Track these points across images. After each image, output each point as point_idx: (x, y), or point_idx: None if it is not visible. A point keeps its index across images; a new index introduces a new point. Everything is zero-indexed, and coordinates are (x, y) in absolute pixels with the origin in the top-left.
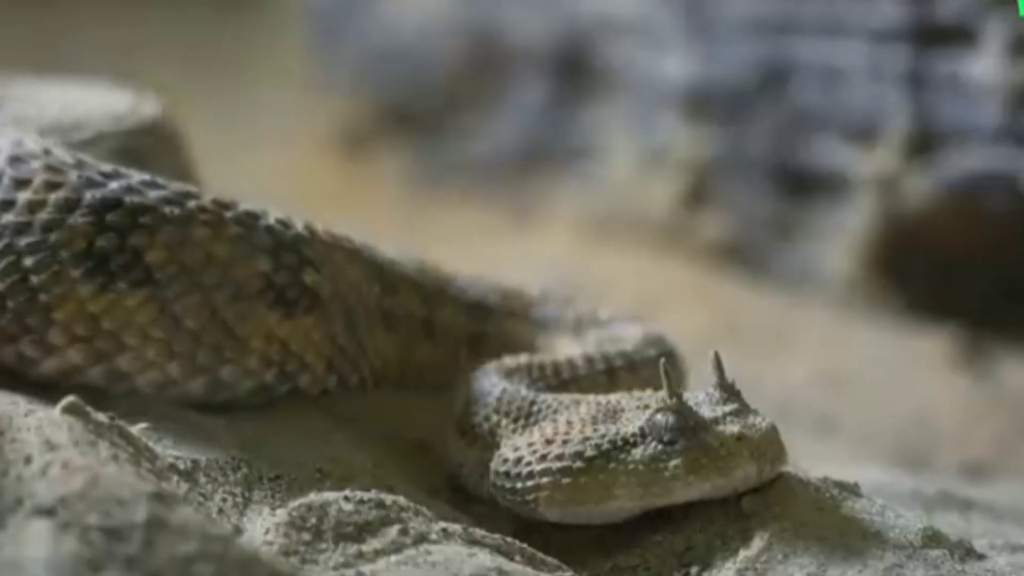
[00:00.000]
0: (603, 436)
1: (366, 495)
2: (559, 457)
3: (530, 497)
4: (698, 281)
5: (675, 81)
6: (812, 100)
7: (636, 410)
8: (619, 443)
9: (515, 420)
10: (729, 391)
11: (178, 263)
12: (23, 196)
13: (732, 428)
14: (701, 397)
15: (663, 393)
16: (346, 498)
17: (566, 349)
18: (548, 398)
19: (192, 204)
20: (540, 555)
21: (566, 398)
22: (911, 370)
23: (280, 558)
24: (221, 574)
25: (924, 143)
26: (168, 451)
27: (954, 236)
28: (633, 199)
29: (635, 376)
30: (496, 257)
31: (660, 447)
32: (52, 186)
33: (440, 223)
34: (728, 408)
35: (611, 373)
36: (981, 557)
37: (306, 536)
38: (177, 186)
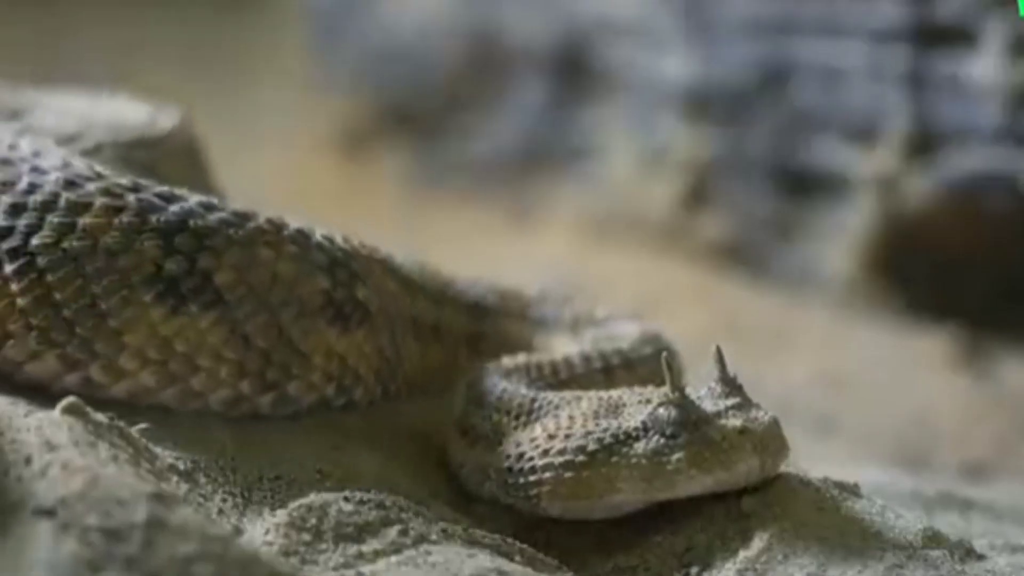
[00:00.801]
0: (605, 430)
1: (366, 495)
2: (561, 452)
3: (533, 492)
4: (698, 281)
5: (675, 81)
6: (812, 100)
7: (638, 405)
8: (621, 437)
9: (517, 418)
10: (731, 385)
11: (246, 284)
12: (85, 221)
13: (734, 422)
14: (703, 391)
15: (665, 388)
16: (346, 499)
17: (563, 348)
18: (550, 395)
19: (252, 225)
20: (540, 555)
21: (568, 395)
22: (911, 370)
23: (280, 558)
24: (221, 574)
25: (924, 143)
26: (168, 451)
27: (954, 236)
28: (633, 199)
29: (632, 374)
30: (496, 257)
31: (662, 441)
32: (114, 210)
33: (440, 223)
34: (730, 402)
35: (608, 371)
36: (981, 557)
37: (306, 536)
38: (233, 207)
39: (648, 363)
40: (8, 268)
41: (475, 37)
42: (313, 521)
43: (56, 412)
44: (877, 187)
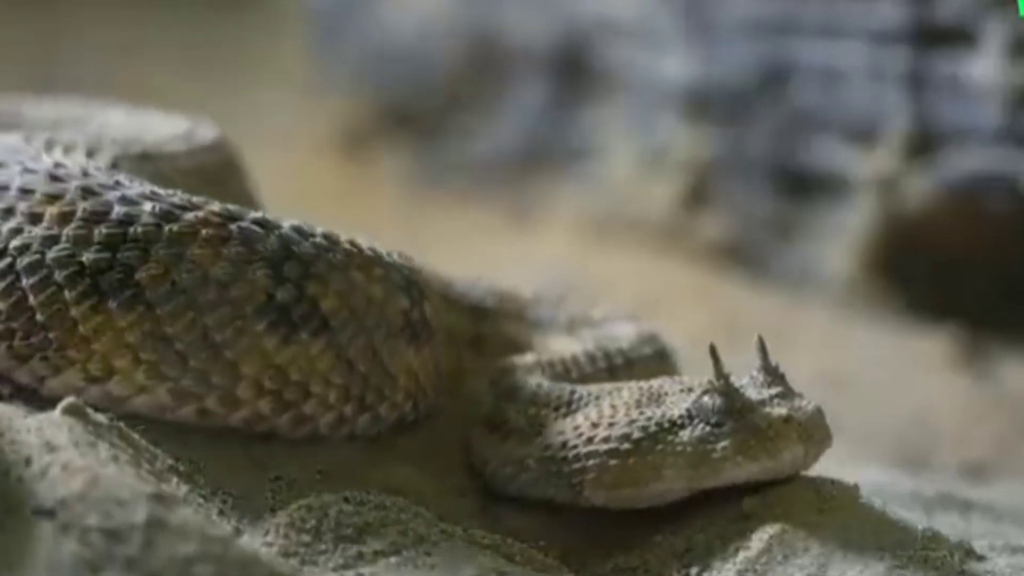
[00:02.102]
0: (649, 418)
1: (366, 496)
2: (606, 440)
3: (576, 480)
4: (698, 281)
5: (675, 82)
6: (812, 101)
7: (680, 394)
8: (666, 425)
9: (556, 409)
10: (773, 374)
11: (348, 308)
12: (192, 252)
13: (780, 410)
14: (745, 380)
15: (709, 376)
16: (346, 499)
17: (564, 347)
18: (588, 387)
19: (343, 249)
20: (540, 556)
21: (607, 385)
22: (911, 370)
23: (280, 559)
24: (221, 575)
25: (924, 144)
26: (168, 452)
27: (954, 237)
28: (633, 199)
29: (632, 374)
30: (496, 258)
31: (708, 429)
32: (219, 240)
33: (440, 223)
34: (773, 391)
35: (611, 371)
36: (981, 558)
37: (306, 537)
38: (320, 230)
39: (648, 363)
40: (112, 303)
41: (475, 37)
42: (313, 522)
43: (56, 413)
44: (877, 187)
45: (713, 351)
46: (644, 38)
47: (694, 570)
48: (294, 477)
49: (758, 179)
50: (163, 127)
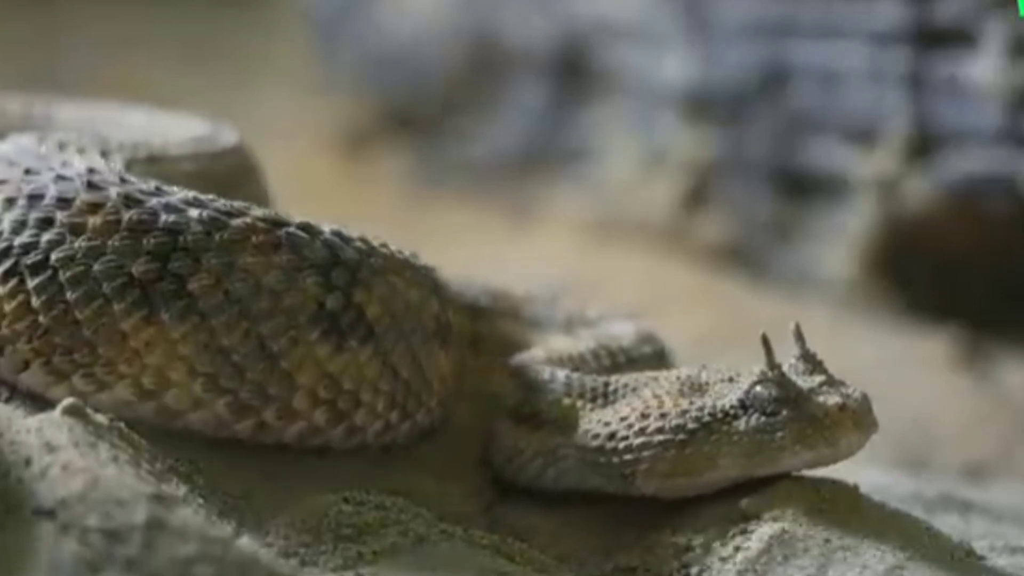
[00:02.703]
0: (701, 408)
1: (366, 496)
2: (660, 430)
3: (627, 471)
4: (698, 282)
5: (674, 83)
6: (811, 102)
7: (723, 383)
8: (719, 415)
9: (593, 400)
10: (812, 362)
11: (390, 314)
12: (244, 260)
13: (834, 398)
14: (786, 368)
15: (758, 367)
16: (345, 499)
17: (567, 346)
18: (623, 377)
19: (382, 253)
20: (540, 556)
21: (642, 376)
22: (911, 371)
23: (279, 560)
24: None
25: (924, 145)
26: (168, 452)
27: (954, 238)
28: (633, 201)
29: (634, 372)
30: (496, 258)
31: (764, 419)
32: (270, 247)
33: (440, 224)
34: (819, 379)
35: (616, 369)
36: (981, 559)
37: (306, 537)
38: (357, 234)
39: (648, 361)
40: (164, 314)
41: (475, 39)
42: (313, 522)
43: (56, 413)
44: (877, 188)
45: (765, 341)
46: (644, 39)
47: (694, 570)
48: (294, 477)
49: (758, 180)
50: (182, 130)
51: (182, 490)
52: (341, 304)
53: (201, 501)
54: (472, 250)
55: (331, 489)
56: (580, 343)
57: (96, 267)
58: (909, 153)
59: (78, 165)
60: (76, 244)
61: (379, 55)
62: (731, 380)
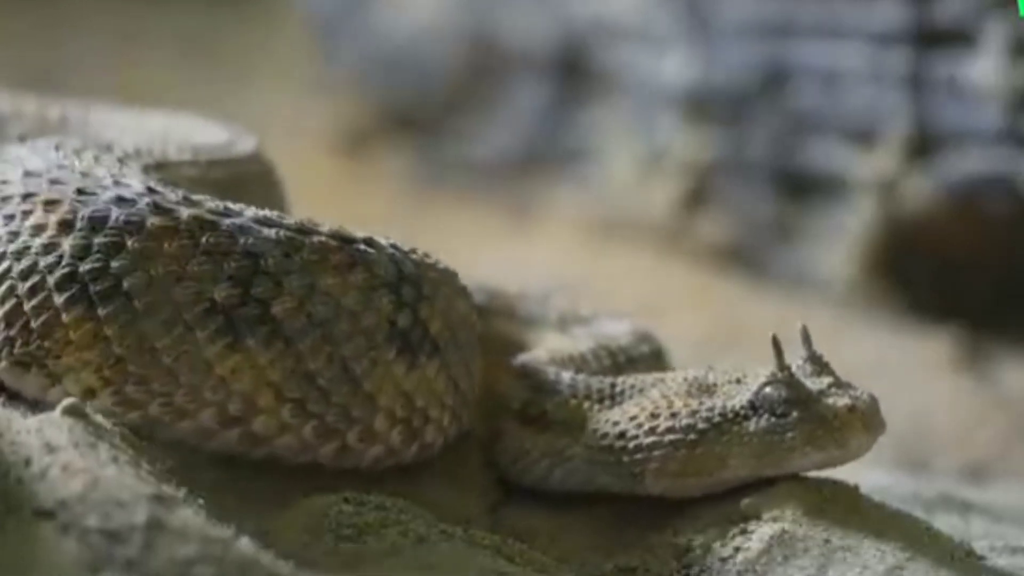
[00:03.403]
0: (711, 409)
1: (366, 496)
2: (670, 430)
3: (637, 470)
4: (698, 283)
5: (674, 83)
6: (812, 102)
7: (731, 384)
8: (729, 416)
9: (600, 401)
10: (819, 363)
11: (449, 328)
12: (325, 282)
13: (843, 400)
14: (793, 369)
15: (765, 368)
16: (346, 500)
17: (565, 345)
18: (629, 379)
19: (438, 268)
20: (541, 556)
21: (648, 377)
22: (912, 372)
23: (279, 560)
24: None
25: (924, 145)
26: (168, 453)
27: (954, 238)
28: (633, 201)
29: (634, 372)
30: (496, 258)
31: (774, 420)
32: (347, 267)
33: (440, 223)
34: (827, 380)
35: (616, 369)
36: (981, 559)
37: (306, 537)
38: (409, 247)
39: (646, 361)
40: (250, 340)
41: (475, 39)
42: (313, 522)
43: (56, 413)
44: (877, 189)
45: (776, 343)
46: (644, 39)
47: (694, 570)
48: (299, 482)
49: (758, 180)
50: (201, 135)
51: (182, 490)
52: (410, 321)
53: (201, 501)
54: (472, 250)
55: (331, 489)
56: (580, 343)
57: (176, 294)
58: (909, 153)
59: (135, 184)
60: (152, 271)
61: (379, 55)
62: (739, 381)
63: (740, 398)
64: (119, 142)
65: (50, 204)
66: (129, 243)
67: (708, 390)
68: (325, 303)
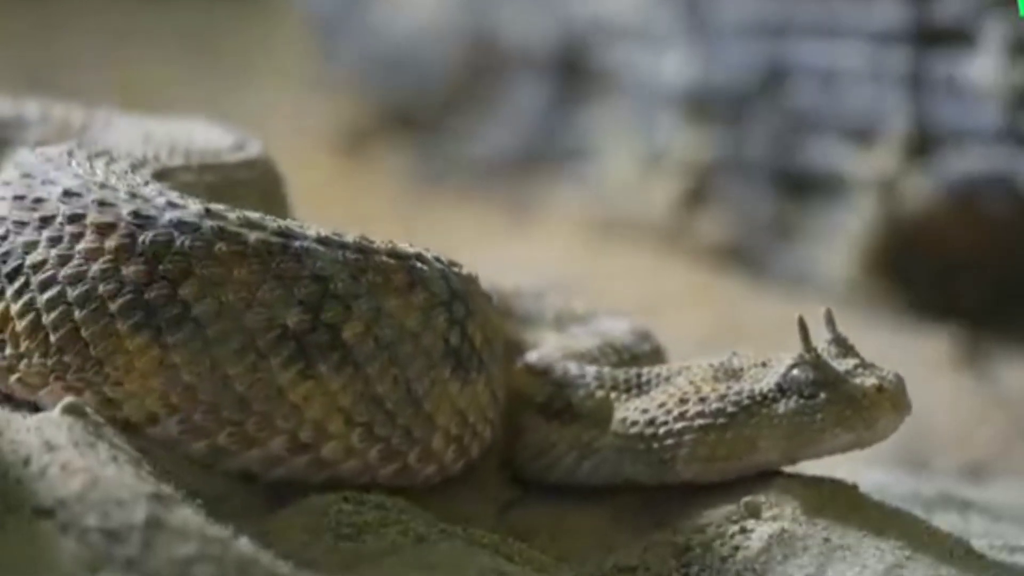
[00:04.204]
0: (739, 393)
1: (366, 496)
2: (700, 415)
3: (667, 456)
4: (698, 282)
5: (674, 83)
6: (811, 101)
7: (756, 368)
8: (758, 399)
9: (627, 391)
10: (843, 345)
11: (488, 341)
12: (390, 304)
13: (871, 380)
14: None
15: (789, 353)
16: (345, 499)
17: (574, 343)
18: (654, 368)
19: (472, 278)
20: (540, 555)
21: (675, 366)
22: (911, 371)
23: (279, 560)
24: (220, 575)
25: (923, 144)
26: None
27: (954, 237)
28: (632, 200)
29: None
30: (495, 258)
31: (802, 401)
32: (409, 287)
33: (439, 222)
34: (852, 361)
35: (622, 366)
36: (980, 558)
37: (305, 537)
38: (448, 260)
39: (647, 358)
40: (321, 366)
41: (474, 38)
42: (312, 522)
43: (55, 412)
44: (877, 188)
45: (802, 324)
46: (643, 39)
47: (693, 569)
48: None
49: (758, 180)
50: (207, 140)
51: (181, 490)
52: (459, 338)
53: (200, 501)
54: (471, 249)
55: (331, 489)
56: (586, 341)
57: (247, 320)
58: (909, 152)
59: (191, 205)
60: (222, 297)
61: (379, 54)
62: (764, 365)
63: (768, 381)
64: (128, 148)
65: (103, 228)
66: (197, 269)
67: (735, 374)
68: (391, 325)
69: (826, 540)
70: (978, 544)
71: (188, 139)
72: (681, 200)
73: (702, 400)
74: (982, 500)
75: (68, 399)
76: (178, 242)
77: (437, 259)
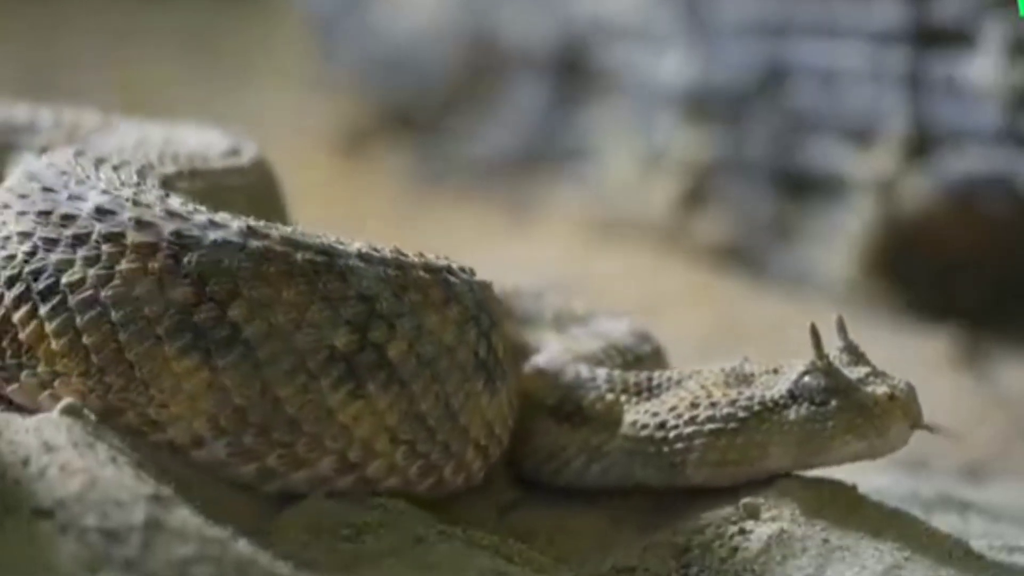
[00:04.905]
0: (751, 398)
1: (366, 496)
2: (710, 419)
3: (677, 460)
4: (697, 282)
5: (674, 83)
6: (811, 102)
7: (768, 375)
8: (769, 405)
9: (638, 395)
10: (855, 353)
11: (506, 350)
12: (430, 321)
13: (883, 388)
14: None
15: (800, 359)
16: (345, 500)
17: (577, 345)
18: (665, 372)
19: (487, 284)
20: (539, 557)
21: (685, 370)
22: (910, 371)
23: (278, 560)
24: None
25: (922, 145)
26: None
27: (953, 238)
28: (632, 200)
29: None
30: (495, 257)
31: (814, 408)
32: (444, 303)
33: (439, 223)
34: (864, 369)
35: (626, 367)
36: (979, 558)
37: (305, 537)
38: (468, 267)
39: (649, 359)
40: (370, 385)
41: (474, 38)
42: (312, 522)
43: (55, 413)
44: (876, 188)
45: (814, 332)
46: (643, 39)
47: (693, 570)
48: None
49: (757, 180)
50: (205, 145)
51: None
52: (487, 350)
53: (200, 501)
54: (471, 249)
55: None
56: (590, 343)
57: (297, 342)
58: (908, 153)
59: (232, 223)
60: (272, 319)
61: (379, 54)
62: (776, 371)
63: (779, 387)
64: (130, 153)
65: (143, 248)
66: (245, 291)
67: (746, 380)
68: (431, 342)
69: (825, 541)
70: (977, 545)
71: (182, 144)
72: (681, 200)
73: (713, 405)
74: (981, 500)
75: (66, 400)
76: (225, 264)
77: (462, 269)
